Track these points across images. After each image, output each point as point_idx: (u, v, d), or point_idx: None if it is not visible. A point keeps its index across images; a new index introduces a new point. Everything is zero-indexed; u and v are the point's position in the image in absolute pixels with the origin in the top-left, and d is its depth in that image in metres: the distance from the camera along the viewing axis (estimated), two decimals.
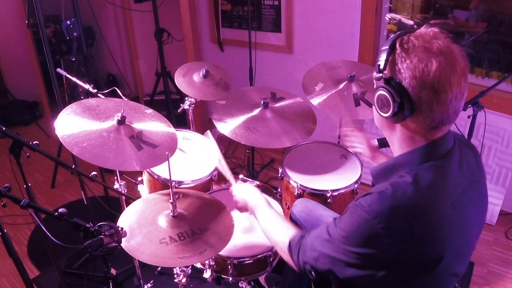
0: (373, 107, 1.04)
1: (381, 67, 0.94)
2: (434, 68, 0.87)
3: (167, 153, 1.32)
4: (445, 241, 0.94)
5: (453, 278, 1.03)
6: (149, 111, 1.63)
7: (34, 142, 1.42)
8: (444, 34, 0.92)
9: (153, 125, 1.57)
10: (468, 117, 1.82)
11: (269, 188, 2.25)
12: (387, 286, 0.97)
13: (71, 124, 1.40)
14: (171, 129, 1.59)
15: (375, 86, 0.99)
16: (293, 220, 1.68)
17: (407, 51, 0.90)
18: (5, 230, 1.29)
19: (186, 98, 2.20)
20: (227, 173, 1.59)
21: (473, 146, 1.12)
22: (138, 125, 1.52)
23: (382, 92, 0.95)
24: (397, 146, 1.02)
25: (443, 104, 0.89)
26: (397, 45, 0.93)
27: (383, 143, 1.62)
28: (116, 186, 1.81)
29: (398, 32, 0.96)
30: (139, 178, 2.00)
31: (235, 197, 1.45)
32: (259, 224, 1.31)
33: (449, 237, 0.95)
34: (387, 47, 0.94)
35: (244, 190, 1.43)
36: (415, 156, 0.97)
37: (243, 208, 1.42)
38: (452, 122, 0.96)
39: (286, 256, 1.15)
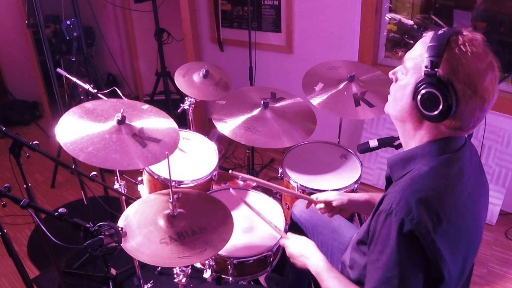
0: (401, 97, 1.01)
1: (436, 62, 0.91)
2: (487, 81, 0.91)
3: (166, 152, 1.32)
4: (465, 230, 0.97)
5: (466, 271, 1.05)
6: (146, 106, 1.63)
7: (34, 142, 1.42)
8: (488, 44, 0.96)
9: (152, 120, 1.57)
10: None
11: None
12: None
13: (72, 130, 1.40)
14: (171, 121, 1.60)
15: (417, 79, 0.96)
16: (293, 221, 1.68)
17: (465, 55, 0.90)
18: (5, 230, 1.29)
19: (186, 98, 2.20)
20: (273, 226, 1.45)
21: (474, 146, 1.14)
22: (138, 123, 1.52)
23: (434, 90, 0.92)
24: (416, 140, 1.02)
25: (483, 112, 0.94)
26: (453, 44, 0.92)
27: (383, 143, 1.61)
28: (116, 186, 1.81)
29: (446, 29, 0.95)
30: (139, 178, 2.00)
31: (291, 258, 1.29)
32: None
33: (467, 226, 0.98)
34: (442, 43, 0.91)
35: (301, 251, 1.26)
36: (433, 148, 0.99)
37: (301, 267, 1.26)
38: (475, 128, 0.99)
39: None
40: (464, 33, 0.94)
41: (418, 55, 0.98)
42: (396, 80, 1.05)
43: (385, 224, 0.93)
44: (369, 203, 1.41)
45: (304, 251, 1.24)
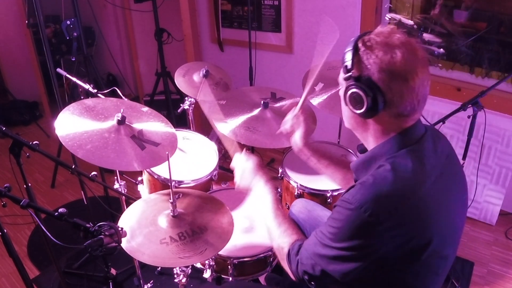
0: (343, 108, 1.09)
1: (349, 67, 0.99)
2: (399, 58, 0.93)
3: (167, 153, 1.32)
4: (431, 222, 0.97)
5: (444, 261, 1.05)
6: (145, 109, 1.63)
7: (34, 142, 1.42)
8: (399, 29, 0.99)
9: (152, 123, 1.58)
10: (468, 117, 1.82)
11: None
12: (383, 278, 0.99)
13: (71, 126, 1.40)
14: (169, 126, 1.60)
15: (344, 87, 1.03)
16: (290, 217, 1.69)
17: (370, 48, 0.96)
18: (5, 230, 1.29)
19: (186, 98, 2.20)
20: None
21: (443, 135, 1.15)
22: (137, 125, 1.52)
23: (353, 90, 0.99)
24: (372, 141, 1.06)
25: (412, 91, 0.94)
26: (360, 45, 0.98)
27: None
28: (116, 186, 1.81)
29: (358, 35, 1.02)
30: (139, 178, 2.00)
31: (237, 170, 1.37)
32: (261, 216, 1.26)
33: (435, 217, 0.98)
34: (351, 48, 0.99)
35: (250, 170, 1.35)
36: (390, 145, 1.01)
37: (242, 185, 1.35)
38: (421, 110, 1.01)
39: (284, 265, 1.14)
40: (374, 31, 1.00)
41: (341, 71, 1.05)
42: None
43: (339, 209, 0.97)
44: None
45: (253, 178, 1.32)
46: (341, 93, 1.06)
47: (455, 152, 1.14)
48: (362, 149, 1.65)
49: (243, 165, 1.37)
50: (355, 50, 0.98)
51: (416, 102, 0.96)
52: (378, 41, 0.96)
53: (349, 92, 1.00)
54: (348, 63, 0.99)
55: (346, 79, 1.01)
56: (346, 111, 1.09)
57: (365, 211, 0.91)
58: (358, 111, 1.00)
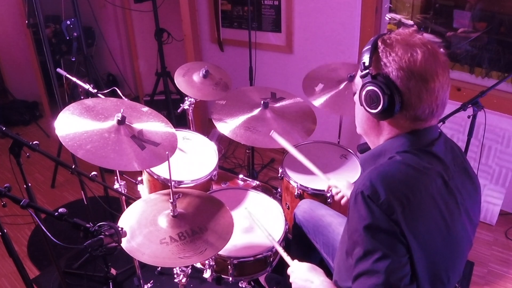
0: (357, 109, 1.05)
1: (366, 64, 0.95)
2: (420, 57, 0.89)
3: (167, 153, 1.32)
4: (438, 219, 0.93)
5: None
6: (145, 109, 1.63)
7: (34, 142, 1.42)
8: (420, 33, 0.96)
9: (152, 123, 1.58)
10: (468, 117, 1.82)
11: (269, 188, 2.24)
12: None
13: (71, 126, 1.40)
14: (169, 126, 1.60)
15: (360, 86, 0.98)
16: (296, 222, 1.69)
17: (390, 46, 0.92)
18: (5, 230, 1.29)
19: (186, 98, 2.20)
20: (283, 254, 1.38)
21: (456, 144, 1.11)
22: (137, 125, 1.52)
23: (370, 87, 0.94)
24: (383, 140, 1.02)
25: (431, 93, 0.90)
26: (379, 43, 0.95)
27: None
28: (116, 186, 1.81)
29: (378, 34, 0.99)
30: (139, 178, 2.00)
31: (294, 284, 1.21)
32: None
33: (442, 215, 0.94)
34: (369, 47, 0.96)
35: (305, 276, 1.19)
36: (401, 141, 0.97)
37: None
38: (439, 116, 0.97)
39: None
40: (395, 31, 0.97)
41: (358, 72, 1.01)
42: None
43: (355, 207, 0.91)
44: None
45: (309, 276, 1.16)
46: (357, 94, 1.02)
47: (472, 168, 1.08)
48: (362, 149, 1.65)
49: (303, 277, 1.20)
50: (374, 48, 0.95)
51: (435, 106, 0.93)
52: (399, 39, 0.93)
53: (365, 90, 0.95)
54: (366, 60, 0.95)
55: (362, 76, 0.97)
56: (360, 113, 1.04)
57: (378, 198, 0.87)
58: (373, 111, 0.95)
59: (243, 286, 1.74)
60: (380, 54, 0.93)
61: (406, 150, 0.96)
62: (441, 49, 0.93)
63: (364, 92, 0.96)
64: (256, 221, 1.51)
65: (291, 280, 1.22)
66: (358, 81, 1.01)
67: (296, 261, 1.28)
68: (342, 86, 2.06)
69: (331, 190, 1.76)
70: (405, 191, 0.90)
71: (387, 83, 0.91)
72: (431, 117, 0.95)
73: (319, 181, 1.90)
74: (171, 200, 1.33)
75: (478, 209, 1.09)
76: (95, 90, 1.80)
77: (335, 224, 1.55)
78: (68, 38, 2.65)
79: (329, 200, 1.81)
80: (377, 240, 0.87)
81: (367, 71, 0.95)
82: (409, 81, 0.90)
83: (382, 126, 1.00)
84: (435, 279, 0.96)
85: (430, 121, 0.96)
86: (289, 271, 1.26)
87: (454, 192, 0.98)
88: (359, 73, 0.99)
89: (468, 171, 1.06)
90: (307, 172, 1.95)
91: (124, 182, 1.84)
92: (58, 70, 1.95)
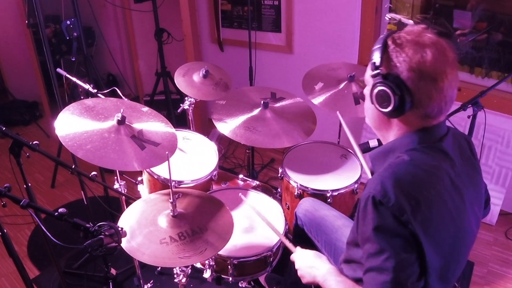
0: (368, 106, 1.07)
1: (377, 64, 0.96)
2: (430, 58, 0.91)
3: (167, 153, 1.32)
4: (449, 218, 0.96)
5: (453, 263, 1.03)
6: (145, 109, 1.63)
7: (34, 142, 1.42)
8: (430, 29, 0.97)
9: (152, 123, 1.58)
10: (468, 117, 1.82)
11: (269, 188, 2.24)
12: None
13: (71, 126, 1.40)
14: (169, 126, 1.60)
15: (371, 85, 1.00)
16: (297, 221, 1.68)
17: (400, 46, 0.94)
18: (5, 230, 1.29)
19: (186, 98, 2.20)
20: (285, 241, 1.41)
21: (466, 136, 1.14)
22: (137, 125, 1.52)
23: (381, 87, 0.96)
24: (393, 137, 1.05)
25: (440, 91, 0.93)
26: (390, 42, 0.96)
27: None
28: (116, 186, 1.81)
29: (388, 32, 1.00)
30: (139, 178, 2.00)
31: (300, 270, 1.25)
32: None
33: (452, 215, 0.97)
34: (380, 45, 0.97)
35: (310, 263, 1.22)
36: (410, 139, 1.00)
37: (309, 281, 1.22)
38: (447, 112, 0.99)
39: None
40: (405, 29, 0.98)
41: (368, 68, 1.03)
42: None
43: (365, 210, 0.94)
44: None
45: (314, 263, 1.20)
46: (367, 90, 1.04)
47: (476, 152, 1.13)
48: (362, 149, 1.66)
49: (309, 263, 1.23)
50: (385, 47, 0.96)
51: (443, 104, 0.95)
52: (409, 39, 0.94)
53: (376, 89, 0.98)
54: (377, 60, 0.96)
55: (373, 76, 0.98)
56: (371, 110, 1.07)
57: (388, 201, 0.90)
58: (385, 110, 0.98)
59: (243, 286, 1.74)
60: (390, 54, 0.95)
61: (415, 148, 0.99)
62: (450, 46, 0.95)
63: (375, 92, 0.99)
64: (258, 213, 1.50)
65: (296, 266, 1.26)
66: (368, 79, 1.03)
67: (299, 247, 1.32)
68: (342, 85, 2.06)
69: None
70: (414, 192, 0.92)
71: (398, 84, 0.93)
72: (440, 114, 0.98)
73: (319, 181, 1.90)
74: (171, 200, 1.33)
75: (482, 204, 1.13)
76: (95, 90, 1.80)
77: (338, 224, 1.55)
78: (68, 38, 2.65)
79: (329, 200, 1.81)
80: (387, 241, 0.91)
81: (378, 71, 0.97)
82: (419, 82, 0.92)
83: (392, 123, 1.03)
84: (443, 275, 0.99)
85: (439, 118, 0.99)
86: (292, 257, 1.29)
87: (460, 188, 1.01)
88: (369, 72, 1.01)
89: (475, 167, 1.10)
90: (307, 172, 1.96)
91: (124, 182, 1.84)
92: (58, 70, 1.95)
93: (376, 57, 0.96)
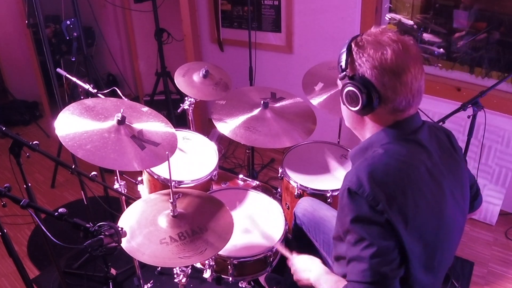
0: (342, 107, 1.12)
1: (343, 66, 1.03)
2: (390, 54, 0.96)
3: (167, 153, 1.32)
4: (424, 204, 0.99)
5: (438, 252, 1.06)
6: (145, 109, 1.63)
7: (34, 142, 1.42)
8: (392, 29, 1.02)
9: (152, 123, 1.58)
10: (468, 117, 1.82)
11: (269, 188, 2.24)
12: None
13: (71, 126, 1.40)
14: (169, 126, 1.60)
15: (340, 87, 1.06)
16: (296, 220, 1.68)
17: (362, 47, 1.00)
18: (5, 230, 1.29)
19: (186, 98, 2.20)
20: (281, 249, 1.50)
21: (446, 129, 1.17)
22: (137, 125, 1.52)
23: (349, 88, 1.02)
24: (368, 134, 1.09)
25: (405, 85, 0.97)
26: (353, 45, 1.02)
27: None
28: (116, 186, 1.81)
29: (352, 37, 1.06)
30: (139, 178, 2.00)
31: (296, 274, 1.30)
32: None
33: (431, 204, 1.00)
34: (345, 50, 1.04)
35: (304, 266, 1.28)
36: (385, 133, 1.05)
37: (305, 283, 1.27)
38: (417, 105, 1.04)
39: None
40: (367, 31, 1.04)
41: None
42: None
43: (342, 202, 1.00)
44: None
45: (308, 266, 1.27)
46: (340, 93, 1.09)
47: (457, 144, 1.16)
48: None
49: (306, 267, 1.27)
50: (349, 50, 1.03)
51: (410, 97, 0.99)
52: (369, 40, 1.00)
53: (345, 90, 1.04)
54: (343, 63, 1.04)
55: (341, 78, 1.05)
56: (345, 110, 1.13)
57: (363, 191, 0.94)
58: (355, 109, 1.04)
59: (243, 286, 1.74)
60: (354, 56, 1.02)
61: (390, 141, 1.03)
62: (412, 42, 1.00)
63: (344, 92, 1.05)
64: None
65: (292, 271, 1.32)
66: (339, 83, 1.09)
67: (294, 254, 1.38)
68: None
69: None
70: (389, 181, 0.97)
71: (364, 82, 0.99)
72: (409, 107, 1.02)
73: (319, 181, 1.90)
74: (171, 200, 1.33)
75: (467, 195, 1.15)
76: (95, 90, 1.80)
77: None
78: (68, 38, 2.64)
79: (329, 200, 1.81)
80: (365, 230, 0.96)
81: (345, 73, 1.04)
82: (383, 78, 0.97)
83: (365, 121, 1.08)
84: (428, 264, 1.03)
85: (409, 110, 1.03)
86: (289, 264, 1.35)
87: (437, 177, 1.04)
88: (339, 76, 1.07)
89: (455, 158, 1.12)
90: (307, 172, 1.96)
91: (124, 182, 1.84)
92: (58, 70, 1.95)
93: (343, 61, 1.04)
